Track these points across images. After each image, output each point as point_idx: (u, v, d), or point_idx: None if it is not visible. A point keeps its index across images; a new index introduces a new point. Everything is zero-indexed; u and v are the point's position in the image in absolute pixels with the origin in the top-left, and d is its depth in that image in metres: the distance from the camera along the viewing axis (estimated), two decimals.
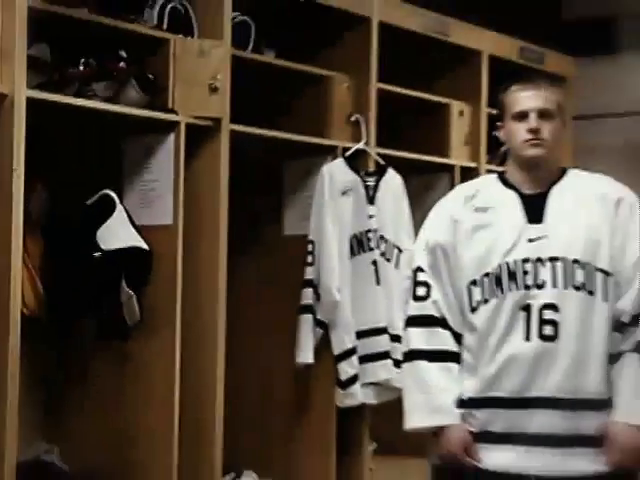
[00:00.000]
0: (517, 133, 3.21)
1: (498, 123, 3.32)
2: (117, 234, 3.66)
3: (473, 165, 5.06)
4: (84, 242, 3.64)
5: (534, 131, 3.18)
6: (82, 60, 3.68)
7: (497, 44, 5.25)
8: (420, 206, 4.37)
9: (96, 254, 3.62)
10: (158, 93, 3.81)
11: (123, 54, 3.76)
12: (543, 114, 3.19)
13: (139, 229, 3.71)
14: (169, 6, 3.94)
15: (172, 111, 3.80)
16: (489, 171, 4.73)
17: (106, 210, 3.68)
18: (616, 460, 3.08)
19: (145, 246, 3.68)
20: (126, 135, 3.88)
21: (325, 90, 4.44)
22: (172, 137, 3.78)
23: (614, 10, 6.50)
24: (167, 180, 3.79)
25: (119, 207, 3.70)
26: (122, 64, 3.75)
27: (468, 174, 4.82)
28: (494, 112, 3.37)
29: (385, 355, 4.40)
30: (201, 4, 3.98)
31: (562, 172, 3.29)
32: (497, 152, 4.89)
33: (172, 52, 3.83)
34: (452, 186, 4.48)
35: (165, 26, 3.91)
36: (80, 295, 3.69)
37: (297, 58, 4.39)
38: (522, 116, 3.20)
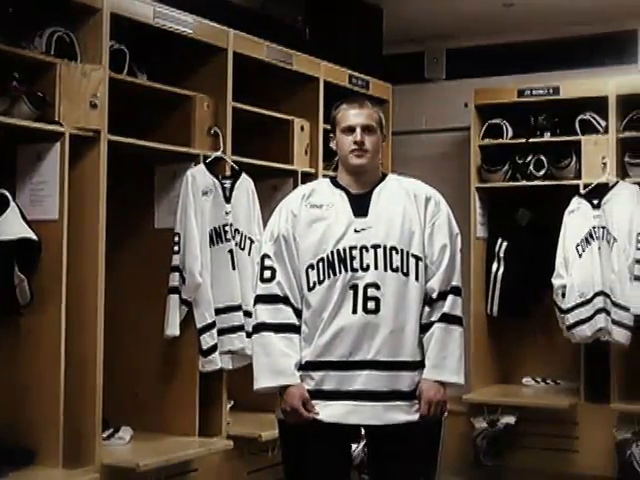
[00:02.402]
0: (345, 144, 3.20)
1: (331, 135, 3.30)
2: (10, 227, 3.55)
3: (312, 171, 5.05)
4: None
5: (359, 143, 3.17)
6: None
7: (331, 72, 5.25)
8: (269, 204, 4.33)
9: None
10: (46, 108, 3.72)
11: (16, 75, 3.66)
12: (366, 129, 3.19)
13: (29, 223, 3.61)
14: (56, 35, 3.84)
15: (58, 123, 3.71)
16: (325, 175, 4.72)
17: (1, 207, 3.57)
18: (425, 410, 3.09)
19: (35, 237, 3.59)
20: (19, 143, 3.77)
21: (189, 108, 4.39)
22: (58, 145, 3.70)
23: (423, 48, 6.57)
24: (54, 181, 3.70)
25: (12, 204, 3.60)
26: (15, 83, 3.65)
27: (308, 178, 4.82)
28: (328, 127, 3.35)
29: (240, 328, 4.37)
30: (83, 34, 3.89)
31: (383, 176, 3.30)
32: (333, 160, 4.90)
33: (58, 74, 3.74)
34: (295, 188, 4.45)
35: (52, 52, 3.81)
36: None
37: (166, 81, 4.33)
38: (349, 130, 3.19)
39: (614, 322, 5.36)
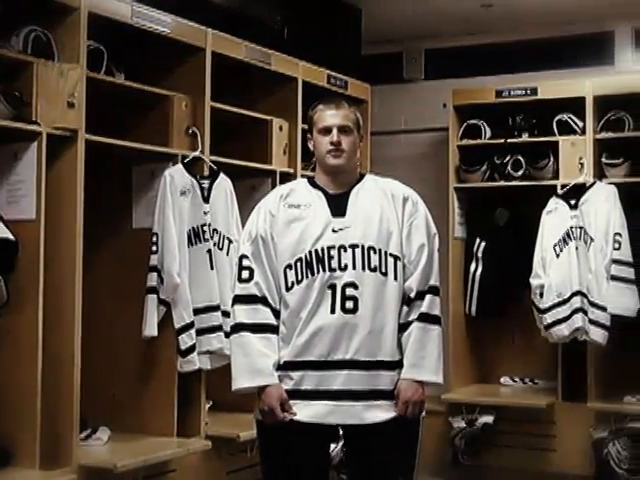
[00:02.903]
0: (322, 145, 3.21)
1: (308, 136, 3.30)
2: None
3: (291, 171, 5.04)
4: None
5: (335, 143, 3.18)
6: None
7: (310, 73, 5.25)
8: (247, 204, 4.30)
9: None
10: (23, 107, 3.69)
11: None
12: (343, 129, 3.20)
13: (7, 223, 3.58)
14: (33, 34, 3.81)
15: (35, 123, 3.69)
16: (303, 175, 4.72)
17: None
18: (404, 410, 3.10)
19: (12, 237, 3.55)
20: None
21: (167, 107, 4.37)
22: (35, 145, 3.67)
23: (401, 49, 6.59)
24: (31, 181, 3.67)
25: None
26: None
27: (286, 178, 4.81)
28: (307, 127, 3.35)
29: (218, 328, 4.35)
30: (60, 33, 3.86)
31: (361, 176, 3.30)
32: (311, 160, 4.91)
33: (35, 73, 3.71)
34: (273, 188, 4.45)
35: (29, 51, 3.78)
36: None
37: (144, 81, 4.31)
38: (326, 131, 3.20)
39: (591, 322, 5.39)
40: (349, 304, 3.06)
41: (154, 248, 4.20)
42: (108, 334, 4.33)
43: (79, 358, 3.79)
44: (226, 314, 4.13)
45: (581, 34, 6.10)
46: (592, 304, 5.40)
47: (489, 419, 5.71)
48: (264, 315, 3.13)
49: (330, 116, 3.20)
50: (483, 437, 5.76)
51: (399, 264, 3.13)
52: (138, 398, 4.31)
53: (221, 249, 4.46)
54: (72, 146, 3.79)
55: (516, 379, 6.11)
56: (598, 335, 5.36)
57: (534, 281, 5.54)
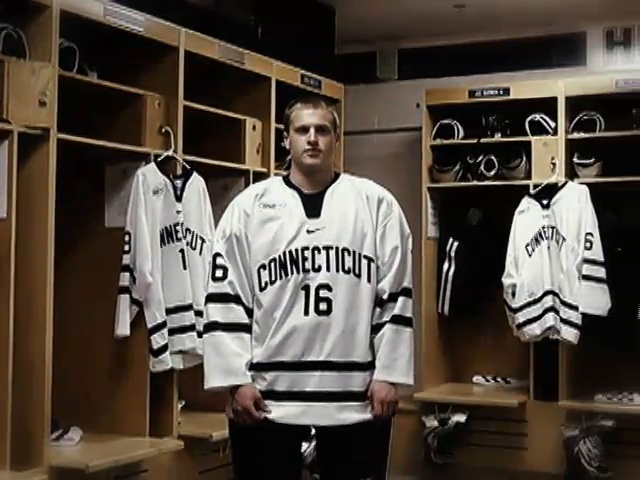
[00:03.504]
0: (299, 144, 3.20)
1: (284, 134, 3.29)
2: None
3: (264, 170, 5.04)
4: None
5: (312, 143, 3.17)
6: None
7: (283, 72, 5.24)
8: (220, 203, 4.31)
9: None
10: None
11: None
12: (320, 129, 3.19)
13: None
14: (4, 32, 3.77)
15: (6, 121, 3.65)
16: (276, 175, 4.70)
17: None
18: (379, 410, 3.11)
19: None
20: None
21: (140, 106, 4.36)
22: (6, 143, 3.64)
23: (375, 49, 6.59)
24: (2, 180, 3.64)
25: None
26: None
27: (260, 177, 4.79)
28: (281, 127, 3.34)
29: (191, 328, 4.35)
30: (32, 31, 3.83)
31: (336, 176, 3.29)
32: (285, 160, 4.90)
33: (6, 71, 3.67)
34: (247, 187, 4.43)
35: (0, 49, 3.74)
36: None
37: (117, 79, 4.29)
38: (303, 130, 3.18)
39: (563, 321, 5.42)
40: (323, 305, 3.06)
41: (126, 247, 4.18)
42: (80, 334, 4.31)
43: (50, 358, 3.77)
44: (199, 314, 4.12)
45: (553, 35, 6.12)
46: (564, 303, 5.43)
47: (461, 418, 5.73)
48: (237, 314, 3.12)
49: (308, 115, 3.19)
50: (456, 436, 5.78)
51: (373, 266, 3.14)
52: (110, 398, 4.29)
53: (194, 248, 4.45)
54: (44, 145, 3.77)
55: (488, 378, 6.13)
56: (570, 334, 5.39)
57: (506, 280, 5.56)
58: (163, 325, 4.25)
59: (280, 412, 3.08)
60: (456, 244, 6.00)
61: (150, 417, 4.26)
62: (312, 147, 3.16)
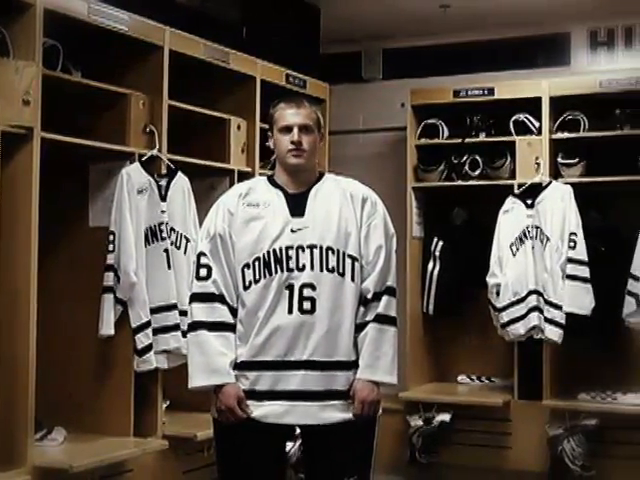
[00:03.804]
0: (283, 144, 3.20)
1: (268, 134, 3.29)
2: None
3: (249, 170, 5.04)
4: None
5: (296, 143, 3.17)
6: None
7: (268, 71, 5.24)
8: (205, 203, 4.29)
9: None
10: None
11: None
12: (304, 129, 3.19)
13: None
14: None
15: None
16: (261, 174, 4.71)
17: None
18: (360, 410, 3.11)
19: None
20: None
21: (124, 106, 4.35)
22: None
23: (360, 48, 6.60)
24: None
25: None
26: None
27: (244, 177, 4.79)
28: (266, 126, 3.35)
29: (175, 327, 4.34)
30: (16, 30, 3.81)
31: (320, 176, 3.30)
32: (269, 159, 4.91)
33: None
34: (232, 187, 4.43)
35: None
36: None
37: (102, 79, 4.28)
38: (287, 130, 3.19)
39: (547, 320, 5.44)
40: (306, 304, 3.06)
41: (111, 247, 4.18)
42: (64, 334, 4.29)
43: (34, 358, 3.76)
44: (183, 313, 4.10)
45: (538, 35, 6.15)
46: (548, 303, 5.45)
47: (446, 417, 5.74)
48: (221, 313, 3.12)
49: (291, 115, 3.20)
50: (440, 435, 5.79)
51: (357, 265, 3.14)
52: (95, 398, 4.29)
53: (178, 248, 4.45)
54: (27, 144, 3.76)
55: (473, 377, 6.15)
56: (554, 333, 5.41)
57: (491, 280, 5.58)
58: (147, 325, 4.25)
59: (263, 411, 3.08)
60: (441, 244, 6.01)
61: (134, 417, 4.26)
62: (296, 147, 3.17)
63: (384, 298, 3.15)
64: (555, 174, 5.69)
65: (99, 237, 4.22)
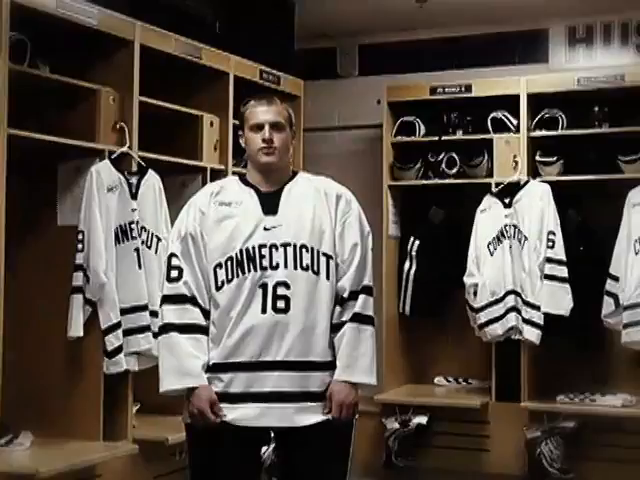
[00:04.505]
0: (254, 142, 3.20)
1: (240, 133, 3.29)
2: None
3: (222, 167, 5.03)
4: None
5: (267, 141, 3.17)
6: None
7: (241, 67, 5.23)
8: (177, 201, 4.28)
9: None
10: None
11: None
12: (275, 126, 3.20)
13: None
14: None
15: None
16: (234, 173, 4.71)
17: None
18: (337, 413, 3.10)
19: None
20: None
21: (94, 101, 4.33)
22: None
23: (335, 44, 6.60)
24: None
25: None
26: None
27: (217, 175, 4.80)
28: (238, 123, 3.34)
29: (146, 328, 4.34)
30: None
31: (294, 174, 3.30)
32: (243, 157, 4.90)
33: None
34: (204, 185, 4.43)
35: None
36: None
37: (70, 74, 4.25)
38: (258, 127, 3.19)
39: (525, 321, 5.46)
40: (280, 303, 3.06)
41: (80, 246, 4.16)
42: (32, 335, 4.27)
43: (0, 360, 3.73)
44: (154, 314, 4.12)
45: (516, 32, 6.16)
46: (526, 303, 5.47)
47: (423, 420, 5.75)
48: (193, 315, 3.11)
49: (262, 112, 3.20)
50: (417, 438, 5.80)
51: (331, 263, 3.14)
52: (63, 401, 4.26)
53: (149, 247, 4.44)
54: None
55: (450, 379, 6.16)
56: (532, 334, 5.43)
57: (468, 280, 5.60)
58: (117, 326, 4.23)
59: (237, 414, 3.07)
60: (417, 243, 6.02)
61: (104, 420, 4.24)
62: (267, 145, 3.16)
63: (361, 297, 3.15)
64: (533, 173, 5.72)
65: (68, 236, 4.20)
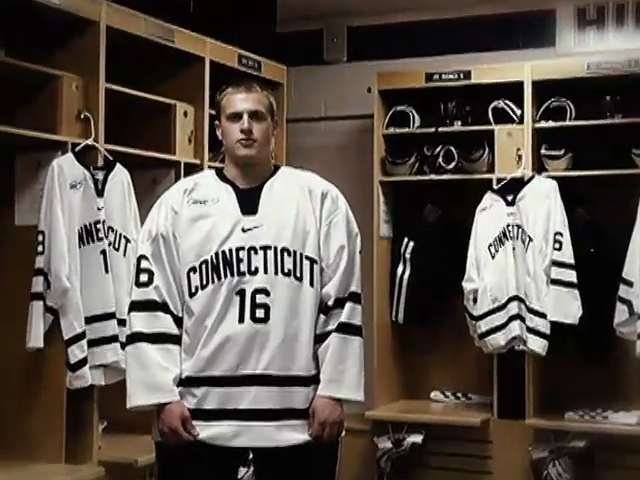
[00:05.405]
0: (231, 133, 3.22)
1: (216, 123, 3.29)
2: None
3: (197, 162, 5.05)
4: None
5: (246, 131, 3.19)
6: None
7: (218, 51, 5.25)
8: (148, 199, 4.28)
9: None
10: None
11: None
12: (255, 115, 3.21)
13: None
14: None
15: None
16: (210, 167, 4.72)
17: None
18: (320, 432, 3.11)
19: None
20: None
21: (55, 88, 4.33)
22: None
23: (321, 27, 6.60)
24: None
25: None
26: None
27: (192, 170, 4.81)
28: (215, 113, 3.35)
29: (113, 339, 4.34)
30: None
31: (275, 169, 3.31)
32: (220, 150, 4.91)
33: None
34: (177, 181, 4.45)
35: None
36: None
37: (30, 58, 4.26)
38: (235, 117, 3.20)
39: (529, 330, 5.47)
40: (259, 312, 3.07)
41: (40, 248, 4.16)
42: None
43: None
44: (122, 323, 4.10)
45: (519, 13, 6.17)
46: (530, 310, 5.48)
47: (418, 438, 5.76)
48: (164, 323, 3.12)
49: (240, 100, 3.21)
50: (411, 458, 5.81)
51: (316, 268, 3.15)
52: (22, 419, 4.27)
53: (117, 249, 4.45)
54: None
55: (448, 394, 6.17)
56: (537, 344, 5.44)
57: (467, 285, 5.61)
58: (82, 336, 4.23)
59: (212, 432, 3.08)
60: (411, 244, 6.03)
61: (67, 441, 4.24)
62: (246, 136, 3.17)
63: (347, 305, 3.16)
64: (538, 167, 5.73)
65: (27, 237, 4.20)
